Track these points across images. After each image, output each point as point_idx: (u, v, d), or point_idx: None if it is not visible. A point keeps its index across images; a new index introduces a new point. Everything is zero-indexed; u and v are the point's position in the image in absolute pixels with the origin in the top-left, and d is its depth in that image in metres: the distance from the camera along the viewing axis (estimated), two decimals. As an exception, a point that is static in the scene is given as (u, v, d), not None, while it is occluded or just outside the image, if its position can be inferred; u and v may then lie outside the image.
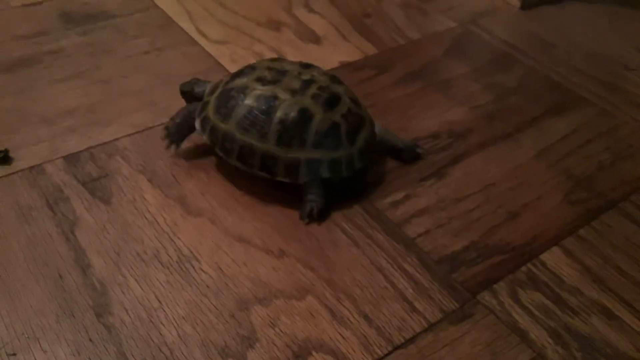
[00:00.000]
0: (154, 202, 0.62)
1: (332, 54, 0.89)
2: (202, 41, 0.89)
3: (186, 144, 0.69)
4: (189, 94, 0.71)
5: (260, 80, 0.64)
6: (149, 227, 0.60)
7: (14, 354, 0.48)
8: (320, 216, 0.62)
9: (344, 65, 0.87)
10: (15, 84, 0.77)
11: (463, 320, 0.54)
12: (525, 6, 1.06)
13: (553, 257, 0.61)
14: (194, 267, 0.57)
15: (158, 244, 0.58)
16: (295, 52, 0.88)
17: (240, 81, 0.64)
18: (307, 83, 0.63)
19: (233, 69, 0.83)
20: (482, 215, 0.65)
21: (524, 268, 0.60)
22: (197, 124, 0.65)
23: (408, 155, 0.71)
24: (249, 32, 0.92)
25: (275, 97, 0.62)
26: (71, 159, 0.66)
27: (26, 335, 0.49)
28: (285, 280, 0.56)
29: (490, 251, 0.61)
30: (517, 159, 0.73)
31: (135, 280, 0.55)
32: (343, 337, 0.52)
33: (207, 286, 0.55)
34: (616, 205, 0.68)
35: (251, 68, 0.66)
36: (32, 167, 0.65)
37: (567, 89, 0.86)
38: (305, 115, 0.61)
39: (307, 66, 0.67)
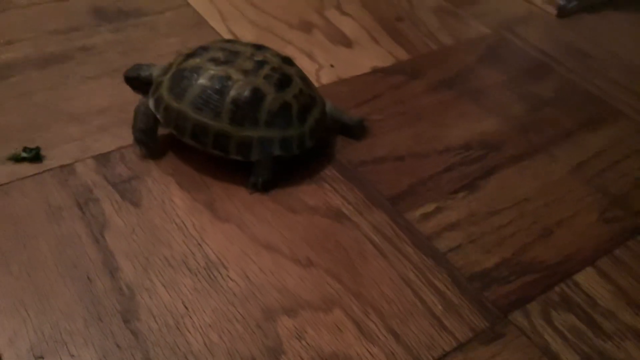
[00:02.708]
0: (183, 205, 0.62)
1: (364, 58, 0.88)
2: (233, 41, 0.88)
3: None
4: (135, 80, 0.70)
5: (214, 60, 0.65)
6: (178, 231, 0.59)
7: (42, 357, 0.48)
8: (265, 189, 0.65)
9: (375, 70, 0.86)
10: (47, 80, 0.77)
11: (494, 341, 0.53)
12: (562, 14, 1.03)
13: (587, 278, 0.60)
14: (221, 274, 0.56)
15: (186, 249, 0.58)
16: (326, 55, 0.88)
17: (193, 61, 0.65)
18: (260, 64, 0.65)
19: (264, 71, 0.83)
20: (515, 232, 0.63)
21: (557, 288, 0.58)
22: (151, 103, 0.66)
23: (356, 131, 0.73)
24: (280, 34, 0.92)
25: (229, 78, 0.63)
26: (102, 159, 0.66)
27: (54, 339, 0.49)
28: (312, 291, 0.55)
29: (523, 269, 0.60)
30: (552, 173, 0.71)
31: (163, 285, 0.54)
32: (370, 354, 0.51)
33: (234, 294, 0.54)
34: (653, 225, 0.66)
35: (204, 49, 0.67)
36: (62, 166, 0.65)
37: (604, 101, 0.84)
38: (257, 95, 0.63)
39: (259, 47, 0.68)
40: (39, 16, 0.90)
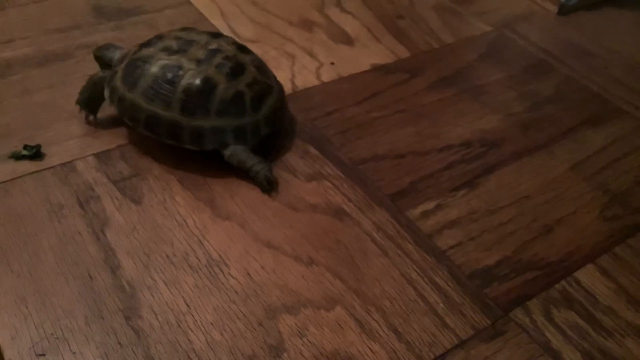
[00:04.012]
0: (184, 203, 0.62)
1: (364, 55, 0.88)
2: (233, 39, 0.88)
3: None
4: (100, 58, 0.73)
5: (167, 49, 0.65)
6: (179, 229, 0.59)
7: (43, 355, 0.48)
8: (271, 173, 0.64)
9: (376, 68, 0.86)
10: (48, 78, 0.77)
11: (495, 338, 0.53)
12: (562, 12, 1.03)
13: (588, 275, 0.60)
14: (222, 272, 0.56)
15: (187, 247, 0.58)
16: (326, 53, 0.87)
17: (147, 51, 0.66)
18: (213, 53, 0.65)
19: (264, 68, 0.83)
20: (515, 229, 0.63)
21: (558, 285, 0.58)
22: (106, 94, 0.67)
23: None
24: (280, 32, 0.91)
25: (180, 67, 0.63)
26: (102, 157, 0.66)
27: (55, 336, 0.49)
28: (314, 289, 0.55)
29: (524, 267, 0.60)
30: (552, 171, 0.71)
31: (165, 283, 0.54)
32: (372, 351, 0.51)
33: (236, 292, 0.55)
34: (654, 223, 0.66)
35: (159, 38, 0.67)
36: (63, 164, 0.65)
37: (605, 99, 0.84)
38: (208, 85, 0.63)
39: (216, 36, 0.68)
40: (38, 14, 0.90)
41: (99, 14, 0.91)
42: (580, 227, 0.65)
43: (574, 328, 0.55)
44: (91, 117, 0.71)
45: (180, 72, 0.63)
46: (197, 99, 0.62)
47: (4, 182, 0.62)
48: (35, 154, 0.65)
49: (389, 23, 0.96)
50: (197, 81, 0.62)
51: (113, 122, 0.71)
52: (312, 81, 0.82)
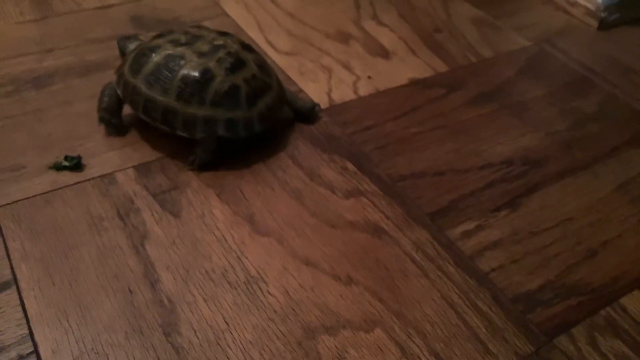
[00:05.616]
0: (223, 218, 0.62)
1: (401, 69, 0.87)
2: (270, 52, 0.88)
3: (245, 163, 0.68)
4: (119, 46, 0.78)
5: (174, 42, 0.68)
6: (218, 244, 0.59)
7: (84, 370, 0.48)
8: (201, 168, 0.67)
9: (414, 82, 0.85)
10: (89, 88, 0.78)
11: (539, 366, 0.52)
12: (603, 27, 1.01)
13: (634, 302, 0.58)
14: (261, 289, 0.56)
15: (226, 263, 0.58)
16: (363, 67, 0.87)
17: (156, 42, 0.69)
18: (217, 48, 0.67)
19: (301, 81, 0.82)
20: (559, 252, 0.62)
21: (603, 312, 0.57)
22: (115, 79, 0.69)
23: (309, 116, 0.76)
24: (317, 44, 0.91)
25: (182, 57, 0.66)
26: (142, 169, 0.66)
27: (95, 351, 0.49)
28: (353, 309, 0.55)
29: (568, 291, 0.58)
30: (596, 192, 0.69)
31: (204, 299, 0.54)
32: (413, 376, 0.50)
33: (274, 310, 0.54)
34: (703, 248, 0.64)
35: (170, 32, 0.70)
36: (103, 176, 0.65)
37: (650, 118, 0.82)
38: (206, 75, 0.65)
39: (224, 34, 0.71)
40: (79, 24, 0.91)
41: (138, 24, 0.91)
42: (626, 251, 0.63)
43: (620, 356, 0.53)
44: (115, 123, 0.70)
45: (182, 62, 0.65)
46: (194, 87, 0.64)
47: (45, 193, 0.63)
48: (76, 165, 0.66)
49: (426, 36, 0.96)
50: (196, 71, 0.64)
51: (152, 134, 0.71)
52: (349, 95, 0.81)
